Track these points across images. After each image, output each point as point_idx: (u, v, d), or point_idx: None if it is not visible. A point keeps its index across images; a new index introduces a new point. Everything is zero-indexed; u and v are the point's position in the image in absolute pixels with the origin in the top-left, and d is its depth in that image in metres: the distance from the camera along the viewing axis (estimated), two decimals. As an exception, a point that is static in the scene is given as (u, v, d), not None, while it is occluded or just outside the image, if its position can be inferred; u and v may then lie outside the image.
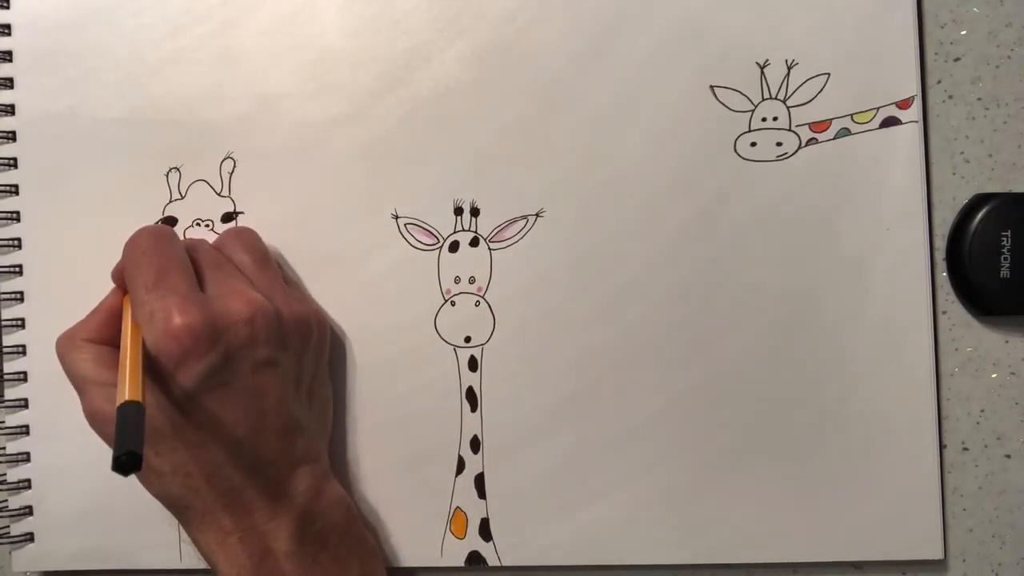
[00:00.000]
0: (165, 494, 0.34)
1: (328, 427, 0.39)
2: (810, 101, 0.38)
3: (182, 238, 0.39)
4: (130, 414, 0.29)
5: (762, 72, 0.38)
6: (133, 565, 0.40)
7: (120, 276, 0.35)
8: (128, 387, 0.30)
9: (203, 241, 0.38)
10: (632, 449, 0.39)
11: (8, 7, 0.40)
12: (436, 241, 0.39)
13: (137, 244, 0.34)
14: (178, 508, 0.34)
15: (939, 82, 0.39)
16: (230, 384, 0.33)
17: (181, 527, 0.35)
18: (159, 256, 0.33)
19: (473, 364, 0.39)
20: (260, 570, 0.33)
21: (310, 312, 0.37)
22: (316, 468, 0.36)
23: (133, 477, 0.29)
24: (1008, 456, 0.39)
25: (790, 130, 0.38)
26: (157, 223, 0.39)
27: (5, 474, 0.40)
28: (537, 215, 0.39)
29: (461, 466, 0.39)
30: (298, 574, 0.34)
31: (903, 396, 0.38)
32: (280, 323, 0.34)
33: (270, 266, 0.37)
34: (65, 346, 0.34)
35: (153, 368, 0.32)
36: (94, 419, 0.33)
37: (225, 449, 0.33)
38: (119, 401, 0.29)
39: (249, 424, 0.33)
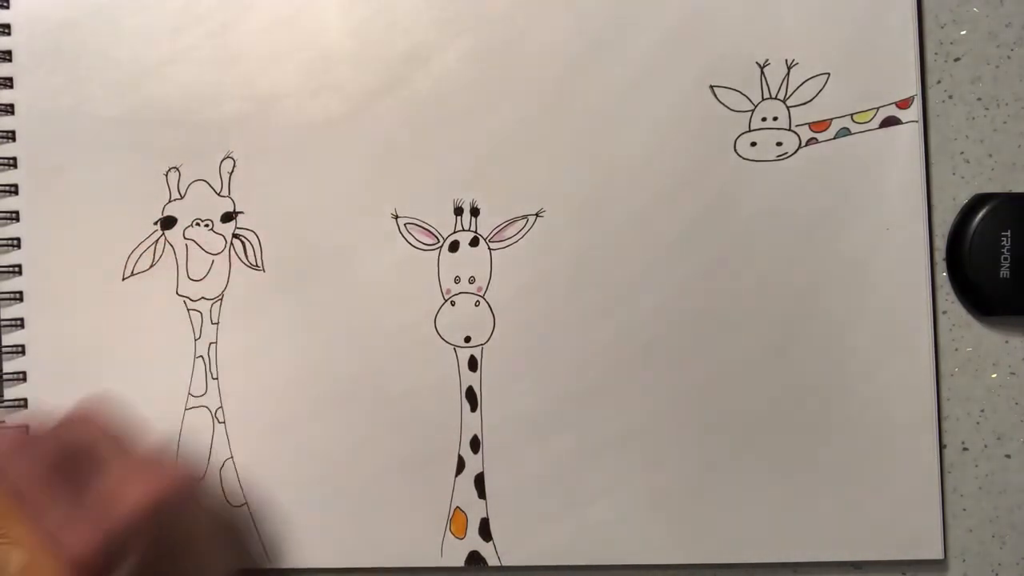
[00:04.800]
0: None
1: None
2: (810, 101, 0.38)
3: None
4: None
5: (762, 72, 0.38)
6: (133, 565, 0.40)
7: None
8: None
9: None
10: (632, 449, 0.39)
11: (8, 7, 0.40)
12: (436, 241, 0.39)
13: None
14: None
15: (939, 82, 0.39)
16: None
17: None
18: None
19: (473, 364, 0.39)
20: None
21: (148, 492, 0.29)
22: None
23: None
24: (1008, 456, 0.39)
25: (790, 130, 0.38)
26: None
27: (5, 474, 0.40)
28: (537, 215, 0.39)
29: (461, 466, 0.39)
30: None
31: (903, 396, 0.38)
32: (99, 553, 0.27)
33: (60, 477, 0.29)
34: None
35: None
36: None
37: None
38: None
39: None
